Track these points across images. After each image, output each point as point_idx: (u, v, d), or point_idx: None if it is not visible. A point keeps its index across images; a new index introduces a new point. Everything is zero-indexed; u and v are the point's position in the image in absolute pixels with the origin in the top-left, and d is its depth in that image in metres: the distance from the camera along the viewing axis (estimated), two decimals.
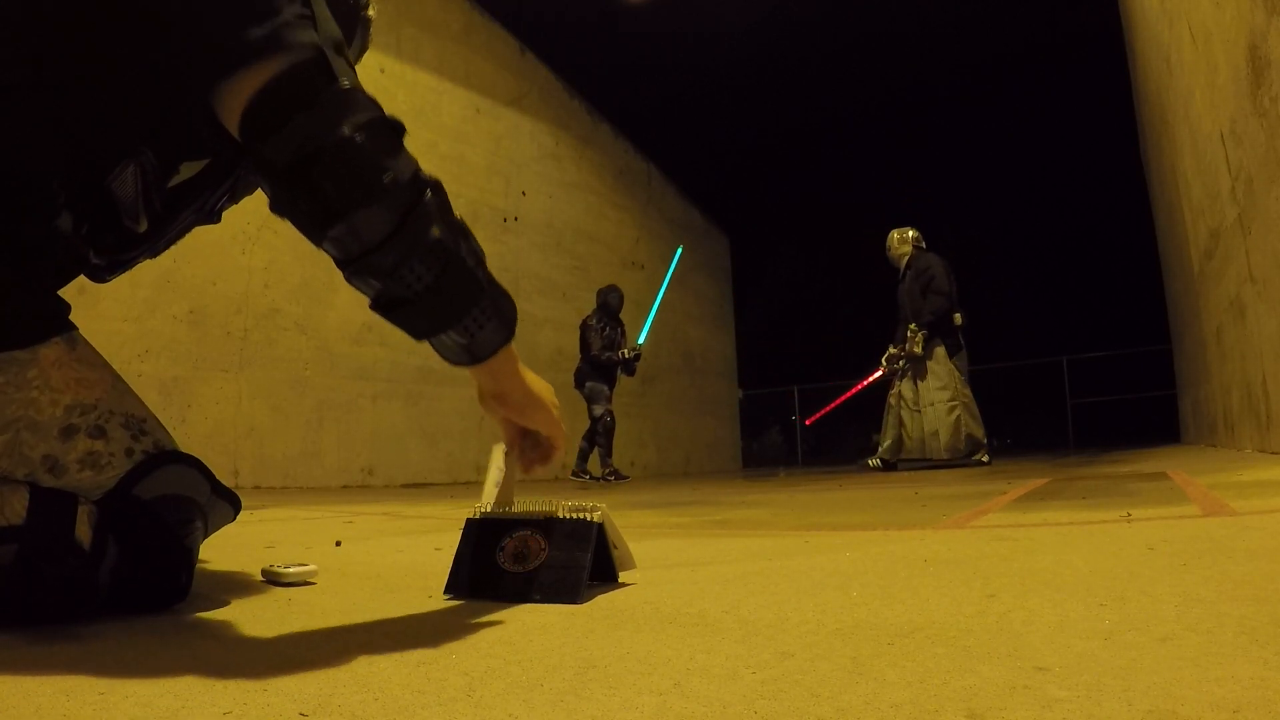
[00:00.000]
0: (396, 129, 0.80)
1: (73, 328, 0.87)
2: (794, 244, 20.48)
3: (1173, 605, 0.70)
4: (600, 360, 6.55)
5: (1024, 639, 0.61)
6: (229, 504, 0.94)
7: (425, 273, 0.78)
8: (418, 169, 0.80)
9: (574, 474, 6.57)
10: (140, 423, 0.87)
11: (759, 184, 11.52)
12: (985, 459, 5.93)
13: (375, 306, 0.81)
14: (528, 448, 0.97)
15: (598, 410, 6.52)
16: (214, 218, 1.07)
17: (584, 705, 0.49)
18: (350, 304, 6.31)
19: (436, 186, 0.81)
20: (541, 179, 8.81)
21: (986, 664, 0.55)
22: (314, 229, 0.78)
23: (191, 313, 5.59)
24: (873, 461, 6.35)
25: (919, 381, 6.19)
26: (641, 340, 6.78)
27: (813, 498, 2.87)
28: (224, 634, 0.75)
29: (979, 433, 6.05)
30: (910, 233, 6.56)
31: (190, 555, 0.88)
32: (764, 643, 0.64)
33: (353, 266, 0.78)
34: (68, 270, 0.97)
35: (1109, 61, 8.24)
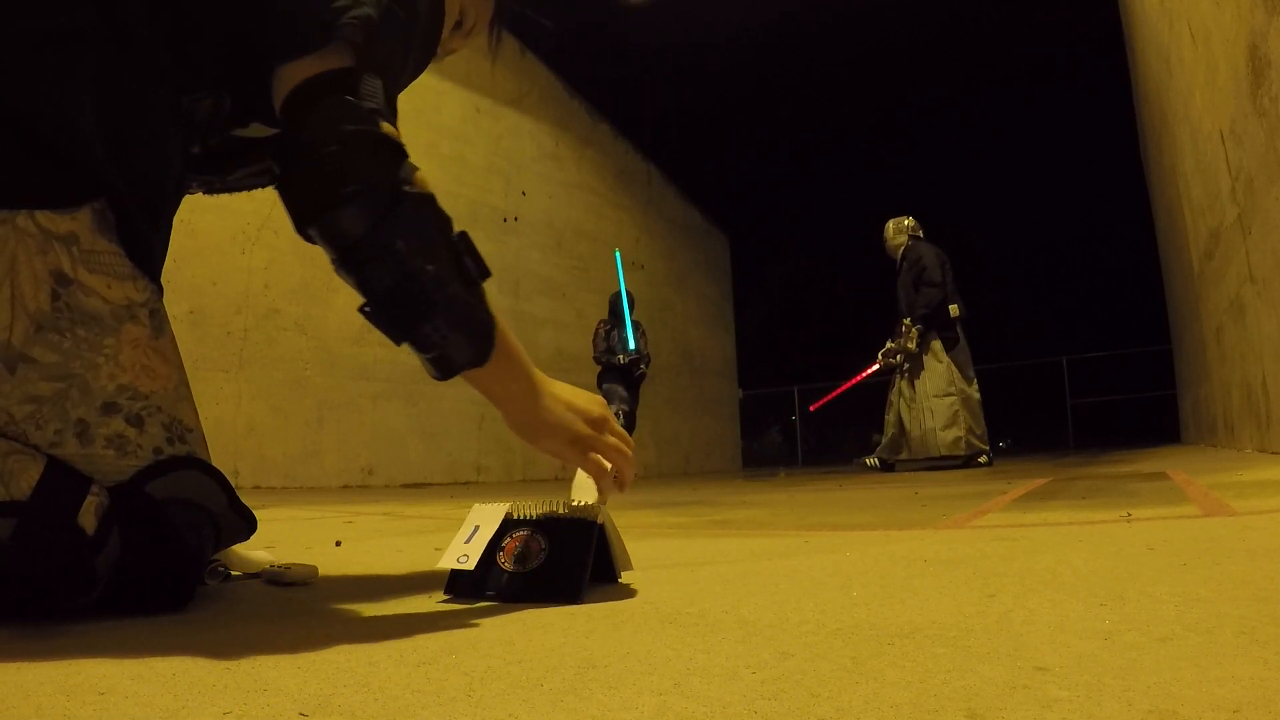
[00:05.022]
0: (383, 143, 0.83)
1: (158, 298, 0.89)
2: (794, 244, 20.51)
3: (1173, 605, 0.70)
4: (600, 363, 6.68)
5: (1024, 639, 0.61)
6: (244, 522, 0.94)
7: (380, 281, 0.84)
8: (400, 182, 0.83)
9: None
10: (184, 431, 0.88)
11: (759, 184, 11.52)
12: (984, 460, 5.86)
13: (360, 309, 0.87)
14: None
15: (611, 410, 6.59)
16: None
17: (584, 705, 0.49)
18: (350, 304, 6.22)
19: (420, 200, 0.84)
20: (541, 179, 8.81)
21: (986, 664, 0.54)
22: (295, 224, 0.85)
23: (191, 313, 5.59)
24: (870, 460, 6.28)
25: (916, 379, 6.15)
26: (632, 346, 6.63)
27: (813, 498, 2.87)
28: (224, 634, 0.75)
29: (980, 433, 5.98)
30: (906, 222, 6.40)
31: (196, 563, 0.87)
32: (764, 643, 0.64)
33: (334, 264, 0.86)
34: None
35: (1109, 61, 8.25)
